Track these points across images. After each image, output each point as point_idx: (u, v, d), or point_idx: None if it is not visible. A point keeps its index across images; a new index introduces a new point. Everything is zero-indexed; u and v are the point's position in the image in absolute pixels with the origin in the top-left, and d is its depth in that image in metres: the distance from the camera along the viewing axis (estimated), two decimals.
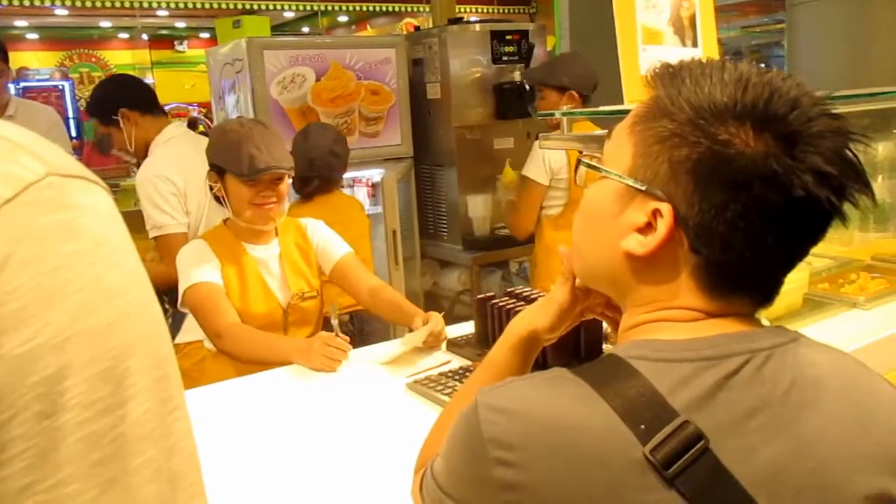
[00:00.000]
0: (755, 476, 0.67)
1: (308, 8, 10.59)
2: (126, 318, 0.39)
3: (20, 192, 0.37)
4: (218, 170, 1.98)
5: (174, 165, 2.52)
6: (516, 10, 9.62)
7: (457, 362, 1.74)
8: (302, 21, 12.74)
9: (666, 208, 0.72)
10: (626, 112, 1.42)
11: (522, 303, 1.71)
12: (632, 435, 0.67)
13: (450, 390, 1.54)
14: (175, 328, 2.51)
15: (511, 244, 3.42)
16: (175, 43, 13.62)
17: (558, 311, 0.98)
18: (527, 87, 3.38)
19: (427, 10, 10.12)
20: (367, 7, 11.10)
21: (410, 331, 1.92)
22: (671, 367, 0.71)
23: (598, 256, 0.82)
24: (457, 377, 1.61)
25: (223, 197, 1.98)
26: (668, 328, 0.76)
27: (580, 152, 0.88)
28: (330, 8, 11.05)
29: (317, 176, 2.72)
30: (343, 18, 12.57)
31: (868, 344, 1.68)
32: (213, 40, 13.34)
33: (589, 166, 0.85)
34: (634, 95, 1.48)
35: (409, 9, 10.99)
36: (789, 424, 0.70)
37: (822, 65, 3.79)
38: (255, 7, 10.07)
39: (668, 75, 0.78)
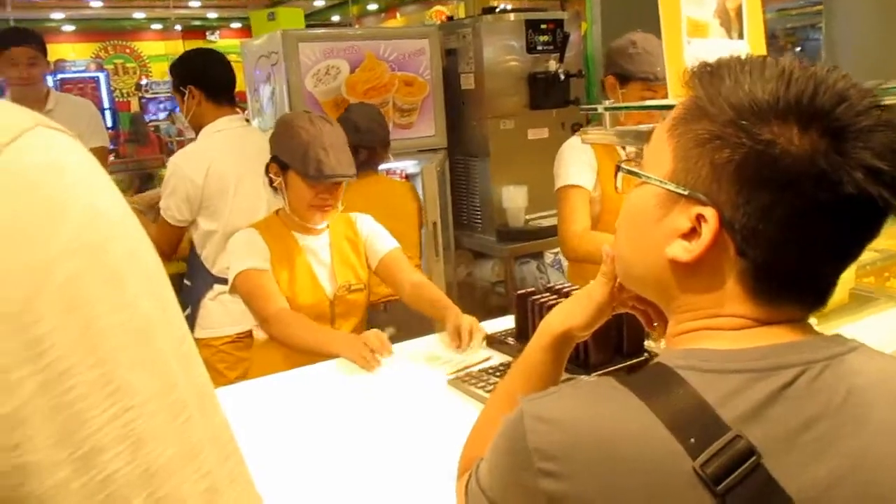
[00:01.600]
0: (807, 492, 0.66)
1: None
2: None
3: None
4: (281, 164, 2.00)
5: (204, 164, 2.55)
6: None
7: (497, 358, 1.74)
8: (332, 10, 12.78)
9: (710, 213, 0.70)
10: (669, 107, 1.40)
11: (562, 298, 1.70)
12: (681, 448, 0.66)
13: (491, 387, 1.54)
14: (190, 325, 2.56)
15: (545, 235, 3.40)
16: (207, 33, 13.75)
17: (595, 310, 0.97)
18: (561, 76, 3.35)
19: None
20: None
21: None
22: (721, 378, 0.70)
23: (643, 263, 0.80)
24: (497, 373, 1.61)
25: (282, 189, 2.02)
26: (716, 336, 0.75)
27: (618, 163, 0.86)
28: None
29: (364, 146, 2.73)
30: (373, 7, 12.57)
31: None
32: (245, 30, 13.45)
33: (629, 172, 0.83)
34: (680, 90, 1.45)
35: None
36: (843, 439, 0.68)
37: (860, 48, 3.69)
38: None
39: (707, 74, 0.75)
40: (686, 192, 0.73)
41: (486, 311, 3.33)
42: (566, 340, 1.00)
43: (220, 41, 13.80)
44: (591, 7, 8.79)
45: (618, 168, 0.87)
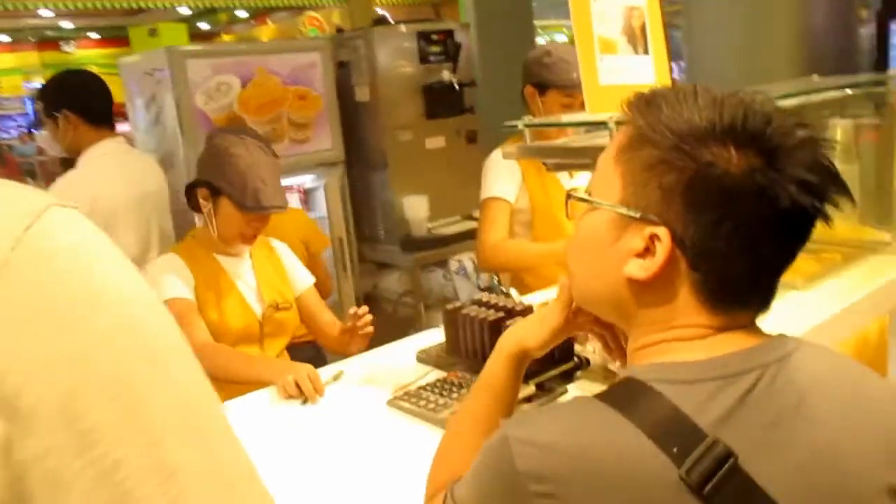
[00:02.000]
0: (779, 485, 0.72)
1: (201, 6, 10.18)
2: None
3: None
4: (213, 189, 1.93)
5: (89, 192, 2.42)
6: (422, 1, 9.62)
7: (433, 374, 1.75)
8: (199, 17, 12.33)
9: (663, 232, 0.76)
10: (591, 123, 1.46)
11: (491, 311, 1.73)
12: (666, 458, 0.71)
13: (433, 405, 1.55)
14: None
15: (449, 242, 3.45)
16: (62, 44, 12.93)
17: (550, 333, 1.02)
18: (455, 86, 3.41)
19: (329, 3, 10.00)
20: (267, 2, 10.84)
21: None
22: (692, 388, 0.75)
23: (600, 284, 0.85)
24: (436, 390, 1.62)
25: (210, 215, 1.96)
26: (679, 348, 0.80)
27: (569, 192, 0.91)
28: (227, 4, 10.72)
29: None
30: (242, 14, 12.24)
31: (816, 325, 1.80)
32: (105, 41, 12.77)
33: (580, 199, 0.87)
34: (596, 105, 1.52)
35: (309, 2, 10.79)
36: (802, 434, 0.75)
37: (718, 48, 3.92)
38: (147, 6, 9.67)
39: (644, 104, 0.81)
40: (638, 215, 0.78)
41: (397, 322, 3.34)
42: (522, 358, 1.04)
43: (77, 52, 13.04)
44: (465, 14, 8.95)
45: (568, 196, 0.92)
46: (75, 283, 0.42)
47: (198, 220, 2.19)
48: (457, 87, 3.38)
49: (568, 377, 1.65)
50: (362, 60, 3.39)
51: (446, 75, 3.39)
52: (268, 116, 3.23)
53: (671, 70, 1.69)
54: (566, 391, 1.59)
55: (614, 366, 1.66)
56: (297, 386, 1.68)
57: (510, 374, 1.04)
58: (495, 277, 3.57)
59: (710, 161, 0.74)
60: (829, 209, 0.77)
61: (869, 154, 2.41)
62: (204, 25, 12.64)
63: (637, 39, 1.62)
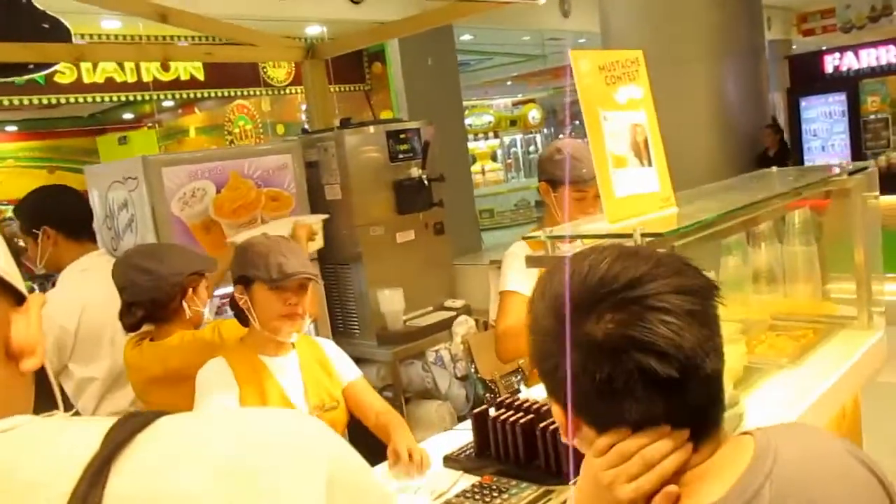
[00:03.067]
0: None
1: (119, 98, 10.07)
2: None
3: None
4: (245, 281, 2.01)
5: (75, 308, 2.39)
6: (353, 89, 9.84)
7: (464, 480, 1.78)
8: (123, 108, 12.23)
9: (556, 410, 0.91)
10: (615, 235, 1.57)
11: (521, 413, 1.79)
12: None
13: None
14: None
15: (426, 334, 3.50)
16: None
17: None
18: (425, 181, 3.52)
19: (257, 92, 10.10)
20: (193, 93, 10.86)
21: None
22: None
23: None
24: (477, 497, 1.66)
25: (249, 309, 2.01)
26: (697, 490, 0.86)
27: None
28: (149, 97, 10.66)
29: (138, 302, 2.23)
30: (168, 103, 12.21)
31: (813, 403, 1.92)
32: (23, 134, 12.45)
33: None
34: (615, 216, 1.64)
35: (239, 93, 10.89)
36: None
37: None
38: (72, 100, 9.54)
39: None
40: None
41: None
42: None
43: None
44: (396, 97, 9.16)
45: None
46: None
47: None
48: (426, 182, 3.49)
49: None
50: (332, 160, 3.47)
51: (415, 171, 3.50)
52: (243, 219, 3.26)
53: (669, 176, 1.83)
54: None
55: None
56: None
57: None
58: (472, 366, 3.63)
59: (579, 340, 0.84)
60: None
61: (827, 232, 2.60)
62: (128, 115, 12.54)
63: (641, 152, 1.76)
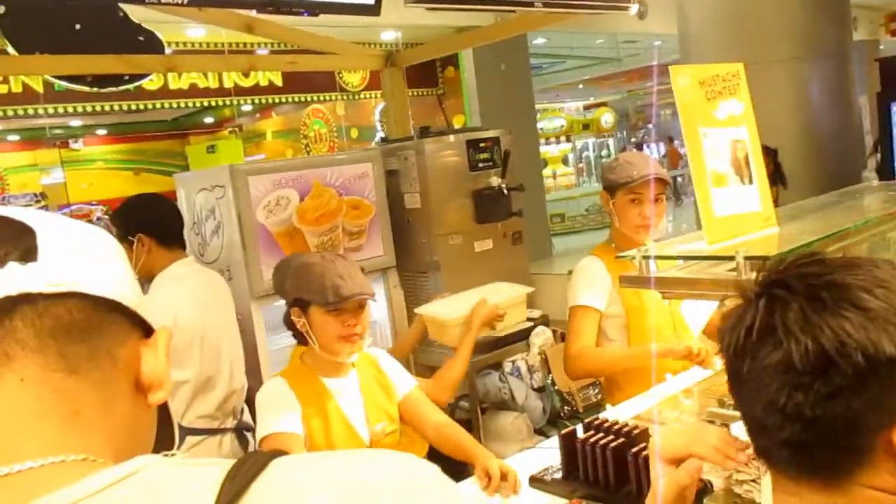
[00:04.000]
0: None
1: (202, 104, 10.38)
2: None
3: None
4: (301, 304, 1.99)
5: (168, 315, 2.46)
6: (426, 93, 9.88)
7: (554, 503, 1.75)
8: (205, 112, 12.63)
9: None
10: (716, 257, 1.52)
11: (611, 437, 1.75)
12: None
13: None
14: None
15: (502, 345, 3.47)
16: (70, 141, 13.15)
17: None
18: (504, 191, 3.50)
19: (332, 97, 10.27)
20: (272, 99, 11.13)
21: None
22: None
23: None
24: None
25: (307, 332, 1.99)
26: None
27: None
28: (230, 102, 10.96)
29: None
30: (248, 108, 12.55)
31: None
32: (111, 137, 12.99)
33: None
34: (715, 237, 1.59)
35: (315, 98, 11.10)
36: None
37: None
38: (158, 106, 9.91)
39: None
40: None
41: None
42: None
43: (83, 149, 13.25)
44: (469, 102, 9.15)
45: None
46: None
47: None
48: (505, 191, 3.47)
49: (696, 502, 1.66)
50: (412, 168, 3.49)
51: (495, 181, 3.49)
52: (325, 227, 3.30)
53: (770, 194, 1.76)
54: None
55: (739, 488, 1.68)
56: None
57: None
58: (549, 377, 3.59)
59: None
60: None
61: None
62: (209, 119, 12.94)
63: (742, 170, 1.70)
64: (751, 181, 1.71)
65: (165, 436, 0.71)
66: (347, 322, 1.96)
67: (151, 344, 0.66)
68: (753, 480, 1.57)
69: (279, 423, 1.90)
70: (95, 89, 4.41)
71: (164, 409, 0.71)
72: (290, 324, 2.07)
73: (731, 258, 1.46)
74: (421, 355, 3.44)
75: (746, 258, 1.44)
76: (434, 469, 0.59)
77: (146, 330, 0.67)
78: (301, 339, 2.06)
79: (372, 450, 0.61)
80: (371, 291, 2.03)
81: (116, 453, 0.58)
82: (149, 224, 2.58)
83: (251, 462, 0.55)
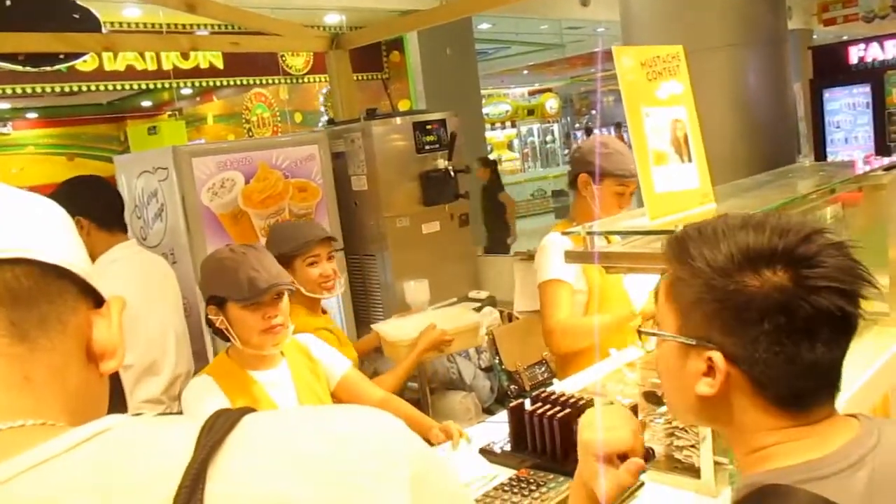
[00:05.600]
0: None
1: (139, 86, 10.10)
2: None
3: None
4: (217, 301, 1.93)
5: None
6: (371, 77, 9.81)
7: (503, 473, 1.79)
8: (142, 96, 12.28)
9: (716, 355, 0.88)
10: (657, 232, 1.57)
11: (558, 408, 1.80)
12: None
13: None
14: None
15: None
16: None
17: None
18: (451, 173, 3.53)
19: (275, 81, 10.11)
20: (212, 82, 10.88)
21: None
22: (829, 481, 0.84)
23: (682, 401, 0.97)
24: (515, 490, 1.67)
25: (227, 329, 1.94)
26: (789, 450, 0.89)
27: (639, 328, 1.08)
28: (169, 85, 10.69)
29: None
30: (187, 91, 12.25)
31: (846, 399, 1.92)
32: (42, 121, 12.53)
33: (648, 333, 1.02)
34: (656, 213, 1.64)
35: (257, 81, 10.89)
36: None
37: None
38: (93, 88, 9.59)
39: (676, 250, 0.95)
40: (693, 342, 0.91)
41: None
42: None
43: (13, 133, 12.75)
44: (414, 86, 9.14)
45: (639, 332, 1.06)
46: None
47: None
48: (452, 174, 3.50)
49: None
50: (359, 151, 3.48)
51: (441, 163, 3.51)
52: (271, 209, 3.28)
53: (708, 172, 1.82)
54: (643, 484, 1.66)
55: (680, 454, 1.74)
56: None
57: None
58: (497, 357, 3.64)
59: (735, 288, 0.86)
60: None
61: (855, 227, 2.58)
62: (147, 103, 12.60)
63: (682, 149, 1.75)
64: (690, 159, 1.77)
65: (118, 409, 0.71)
66: (267, 315, 1.91)
67: (104, 313, 0.65)
68: (693, 445, 1.63)
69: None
70: (28, 68, 4.26)
71: (116, 382, 0.71)
72: (211, 323, 1.99)
73: (672, 232, 1.51)
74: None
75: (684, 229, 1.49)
76: (401, 422, 0.61)
77: (97, 299, 0.66)
78: (222, 336, 1.99)
79: (340, 404, 0.63)
80: (287, 281, 1.99)
81: (72, 420, 0.58)
82: (88, 207, 2.51)
83: (225, 417, 0.56)
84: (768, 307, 0.84)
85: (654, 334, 0.99)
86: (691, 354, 0.91)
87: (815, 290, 0.84)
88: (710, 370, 0.89)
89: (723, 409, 0.91)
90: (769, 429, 0.89)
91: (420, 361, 2.75)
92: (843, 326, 0.86)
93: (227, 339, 1.99)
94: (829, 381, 0.89)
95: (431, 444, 1.96)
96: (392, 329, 2.86)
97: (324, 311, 2.68)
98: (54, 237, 0.62)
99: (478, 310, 3.60)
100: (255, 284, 1.87)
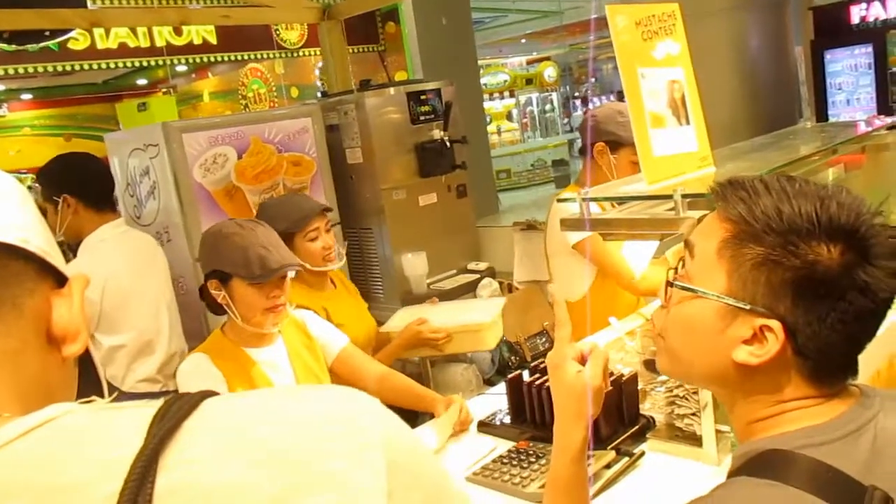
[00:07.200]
0: None
1: (133, 64, 9.98)
2: None
3: None
4: (221, 276, 1.91)
5: (98, 279, 2.39)
6: (367, 49, 9.69)
7: (502, 445, 1.77)
8: (137, 73, 12.16)
9: (776, 325, 0.82)
10: (656, 197, 1.53)
11: None
12: None
13: (517, 478, 1.58)
14: None
15: (449, 298, 3.48)
16: None
17: (600, 391, 1.10)
18: (447, 143, 3.47)
19: (270, 55, 9.99)
20: (207, 58, 10.74)
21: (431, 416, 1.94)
22: (832, 447, 0.82)
23: (705, 366, 0.90)
24: (514, 462, 1.65)
25: (228, 305, 1.92)
26: (796, 417, 0.86)
27: (669, 279, 0.93)
28: (163, 62, 10.56)
29: None
30: (182, 68, 12.13)
31: None
32: (37, 102, 12.44)
33: (685, 288, 0.91)
34: (654, 177, 1.60)
35: (252, 56, 10.77)
36: None
37: None
38: (86, 67, 9.48)
39: (740, 194, 0.86)
40: (748, 307, 0.84)
41: None
42: (586, 440, 1.09)
43: (8, 115, 12.66)
44: (411, 58, 9.05)
45: (669, 284, 0.94)
46: None
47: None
48: (448, 144, 3.44)
49: (640, 437, 1.70)
50: (353, 123, 3.43)
51: (437, 133, 3.45)
52: (265, 184, 3.23)
53: (707, 134, 1.78)
54: (644, 453, 1.63)
55: (681, 422, 1.72)
56: None
57: (581, 465, 1.09)
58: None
59: (814, 259, 0.80)
60: None
61: (857, 187, 2.53)
62: (142, 81, 12.49)
63: (679, 111, 1.71)
64: (688, 122, 1.72)
65: (90, 393, 0.67)
66: (271, 294, 1.90)
67: (65, 293, 0.61)
68: (694, 414, 1.61)
69: None
70: (13, 47, 4.17)
71: (89, 366, 0.67)
72: (206, 296, 1.97)
73: (670, 197, 1.47)
74: None
75: (684, 196, 1.45)
76: (377, 402, 0.57)
77: (59, 279, 0.62)
78: (217, 309, 1.97)
79: (310, 385, 0.59)
80: (296, 261, 1.98)
81: (27, 409, 0.54)
82: (75, 184, 2.47)
83: (182, 401, 0.52)
84: (849, 286, 0.80)
85: (695, 290, 0.88)
86: (739, 319, 0.84)
87: (890, 273, 0.81)
88: (755, 337, 0.83)
89: (757, 378, 0.86)
90: (788, 399, 0.86)
91: (405, 357, 2.65)
92: (888, 309, 0.84)
93: (220, 314, 1.97)
94: (857, 358, 0.87)
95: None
96: (393, 319, 2.78)
97: (334, 284, 2.63)
98: (7, 214, 0.58)
99: (477, 281, 3.57)
100: (266, 264, 1.86)
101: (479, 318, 2.58)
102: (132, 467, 0.46)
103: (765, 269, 0.82)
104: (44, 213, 2.67)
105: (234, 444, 0.49)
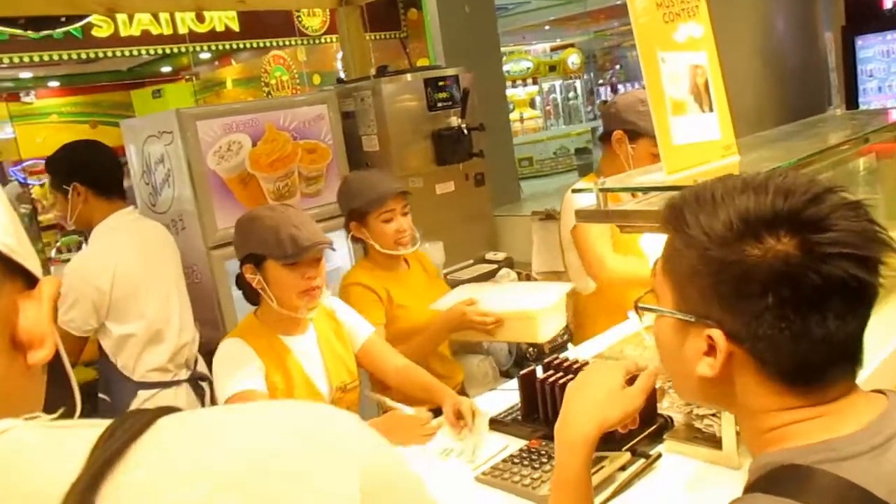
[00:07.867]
0: None
1: (156, 52, 10.00)
2: None
3: None
4: (255, 259, 1.88)
5: (108, 268, 2.37)
6: (389, 36, 9.62)
7: (513, 444, 1.72)
8: (160, 61, 12.21)
9: (716, 333, 0.79)
10: (671, 188, 1.45)
11: (570, 376, 1.71)
12: None
13: (528, 479, 1.53)
14: None
15: None
16: (21, 94, 12.66)
17: (629, 416, 1.08)
18: (465, 131, 3.41)
19: (292, 42, 9.97)
20: (229, 45, 10.73)
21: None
22: (855, 462, 0.75)
23: (685, 381, 0.88)
24: (525, 462, 1.60)
25: (263, 289, 1.89)
26: (807, 429, 0.80)
27: (636, 302, 0.94)
28: (185, 49, 10.57)
29: None
30: (205, 55, 12.15)
31: (875, 367, 1.80)
32: (64, 90, 12.54)
33: (645, 309, 0.93)
34: (674, 167, 1.53)
35: (274, 43, 10.74)
36: None
37: None
38: (109, 54, 9.52)
39: (672, 218, 0.85)
40: (692, 319, 0.82)
41: None
42: (597, 439, 1.06)
43: (36, 102, 12.78)
44: (433, 45, 8.98)
45: (636, 307, 0.96)
46: None
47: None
48: (466, 131, 3.38)
49: (656, 438, 1.64)
50: (369, 110, 3.37)
51: (454, 121, 3.39)
52: (280, 172, 3.19)
53: (731, 122, 1.70)
54: (661, 455, 1.57)
55: (700, 423, 1.65)
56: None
57: (588, 463, 1.05)
58: None
59: (735, 259, 0.77)
60: None
61: (892, 179, 2.43)
62: (165, 68, 12.53)
63: (702, 97, 1.63)
64: (711, 109, 1.65)
65: (61, 401, 0.62)
66: (307, 275, 1.87)
67: (34, 296, 0.56)
68: (714, 414, 1.54)
69: (243, 381, 1.81)
70: (39, 34, 4.17)
71: (59, 372, 0.62)
72: (242, 283, 1.96)
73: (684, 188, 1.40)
74: None
75: None
76: (356, 422, 0.53)
77: (29, 280, 0.57)
78: (252, 297, 1.95)
79: (284, 403, 0.53)
80: (328, 240, 1.94)
81: None
82: (84, 172, 2.45)
83: (133, 420, 0.47)
84: (771, 279, 0.75)
85: (650, 310, 0.91)
86: (691, 332, 0.83)
87: (824, 257, 0.73)
88: (711, 349, 0.81)
89: (726, 390, 0.83)
90: (779, 409, 0.81)
91: (448, 339, 2.48)
92: (858, 296, 0.76)
93: (255, 303, 1.97)
94: (844, 356, 0.80)
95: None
96: (446, 297, 2.54)
97: (408, 264, 2.52)
98: None
99: (495, 271, 3.51)
100: (298, 242, 1.84)
101: (532, 305, 2.26)
102: (66, 497, 0.41)
103: (696, 277, 0.81)
104: (55, 202, 2.66)
105: (184, 469, 0.44)
